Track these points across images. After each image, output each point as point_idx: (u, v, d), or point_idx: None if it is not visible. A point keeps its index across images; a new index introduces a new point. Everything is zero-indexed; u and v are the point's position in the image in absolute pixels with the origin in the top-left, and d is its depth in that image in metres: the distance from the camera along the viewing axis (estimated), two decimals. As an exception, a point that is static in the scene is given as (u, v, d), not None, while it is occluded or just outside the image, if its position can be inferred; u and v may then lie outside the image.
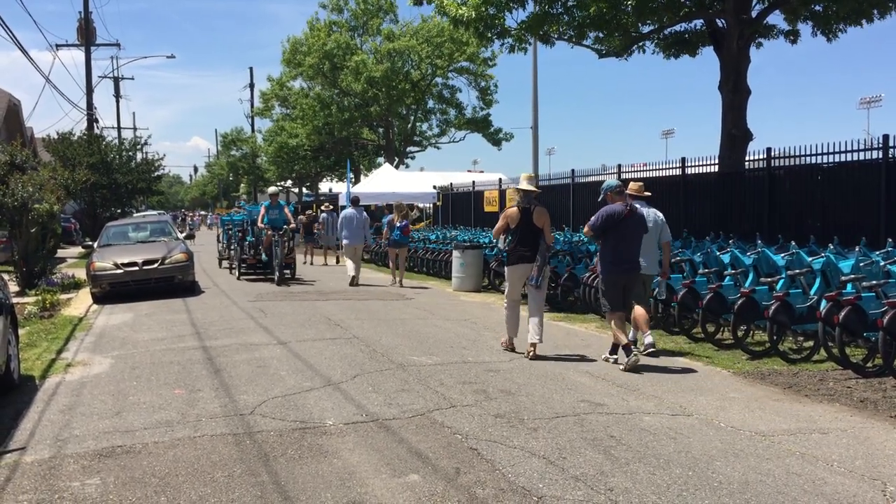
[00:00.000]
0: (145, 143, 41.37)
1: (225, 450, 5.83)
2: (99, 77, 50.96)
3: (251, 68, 66.73)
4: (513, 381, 7.88)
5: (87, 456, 5.78)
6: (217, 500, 4.83)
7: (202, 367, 8.95)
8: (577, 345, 10.16)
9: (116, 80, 55.21)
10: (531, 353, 9.12)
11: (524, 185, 9.63)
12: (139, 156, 41.02)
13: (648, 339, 8.98)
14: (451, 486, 4.95)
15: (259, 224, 18.69)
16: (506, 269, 9.87)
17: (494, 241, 12.58)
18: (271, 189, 20.65)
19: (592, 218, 9.05)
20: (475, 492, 4.85)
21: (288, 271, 19.11)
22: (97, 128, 38.01)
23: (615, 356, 8.92)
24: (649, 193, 10.04)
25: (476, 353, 9.47)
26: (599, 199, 9.22)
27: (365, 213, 19.49)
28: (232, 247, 21.66)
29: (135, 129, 64.70)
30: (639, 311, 9.03)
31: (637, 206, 9.07)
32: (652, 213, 9.57)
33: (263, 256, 19.21)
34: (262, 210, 18.85)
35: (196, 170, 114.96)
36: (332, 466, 5.39)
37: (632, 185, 9.77)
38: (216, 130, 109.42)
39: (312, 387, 7.76)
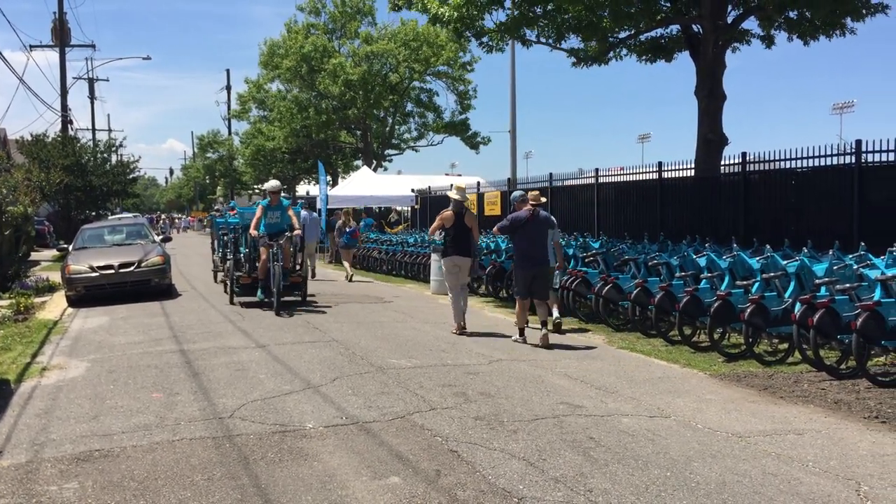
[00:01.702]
0: (120, 145, 41.08)
1: (204, 453, 5.81)
2: (73, 78, 50.23)
3: (228, 70, 66.28)
4: (492, 384, 7.91)
5: (64, 460, 5.73)
6: (197, 503, 4.82)
7: (180, 370, 8.90)
8: (555, 347, 10.20)
9: (91, 82, 54.78)
10: (461, 330, 11.24)
11: (454, 195, 11.72)
12: (114, 158, 40.75)
13: (555, 314, 11.33)
14: (431, 488, 4.97)
15: (253, 231, 13.74)
16: (442, 260, 12.01)
17: (429, 237, 15.72)
18: (271, 184, 14.79)
19: (501, 222, 10.94)
20: (456, 493, 4.87)
21: (297, 294, 14.90)
22: (72, 129, 37.71)
23: (523, 337, 10.51)
24: (545, 199, 12.09)
25: (455, 356, 9.49)
26: (511, 209, 11.13)
27: (315, 214, 22.89)
28: (228, 257, 15.88)
29: (109, 130, 64.23)
30: (549, 296, 10.90)
31: (540, 210, 10.71)
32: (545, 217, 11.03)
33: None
34: (259, 212, 14.04)
35: (172, 172, 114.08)
36: (313, 469, 5.38)
37: (531, 194, 11.00)
38: (192, 133, 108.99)
39: (292, 390, 7.74)
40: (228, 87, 65.76)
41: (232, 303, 14.77)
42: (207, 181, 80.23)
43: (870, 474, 5.15)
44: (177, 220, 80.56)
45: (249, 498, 4.89)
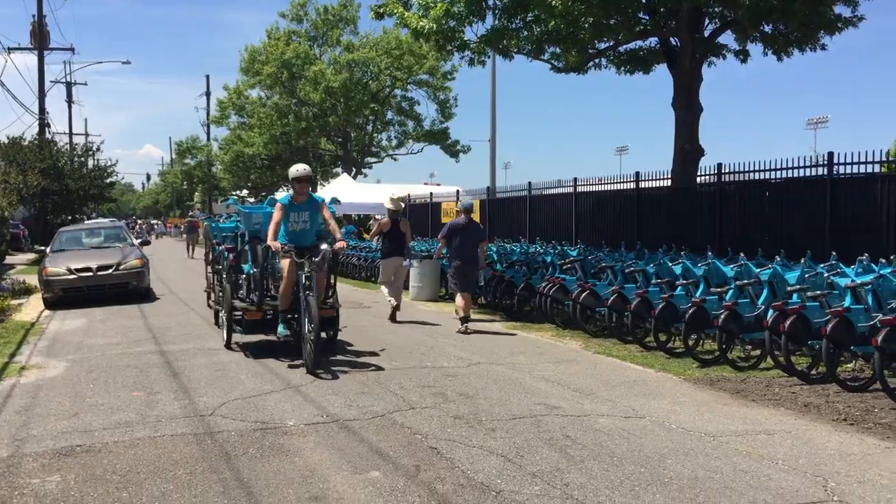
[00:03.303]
0: (98, 150, 40.76)
1: (186, 449, 5.87)
2: (52, 81, 49.98)
3: (207, 76, 66.03)
4: (471, 385, 8.02)
5: (45, 455, 5.77)
6: (180, 496, 4.88)
7: (160, 370, 8.94)
8: (533, 352, 10.33)
9: (69, 85, 54.40)
10: (394, 314, 13.11)
11: (390, 206, 13.66)
12: (90, 162, 40.50)
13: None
14: (411, 482, 5.06)
15: (271, 242, 9.06)
16: (381, 261, 13.92)
17: (370, 241, 18.32)
18: (297, 169, 9.57)
19: (443, 230, 12.82)
20: (435, 487, 4.97)
21: (329, 333, 10.24)
22: (49, 133, 37.46)
23: (465, 325, 11.99)
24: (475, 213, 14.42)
25: (434, 359, 9.59)
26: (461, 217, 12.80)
27: None
28: (222, 281, 11.28)
29: (87, 135, 63.88)
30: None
31: (473, 220, 12.90)
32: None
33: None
34: (277, 213, 9.33)
35: (149, 178, 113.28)
36: (294, 464, 5.46)
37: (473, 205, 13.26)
38: (170, 138, 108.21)
39: (272, 389, 7.81)
40: (208, 93, 65.53)
41: (229, 346, 10.27)
42: (185, 187, 79.91)
43: (837, 472, 5.31)
44: (155, 226, 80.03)
45: (231, 491, 4.96)
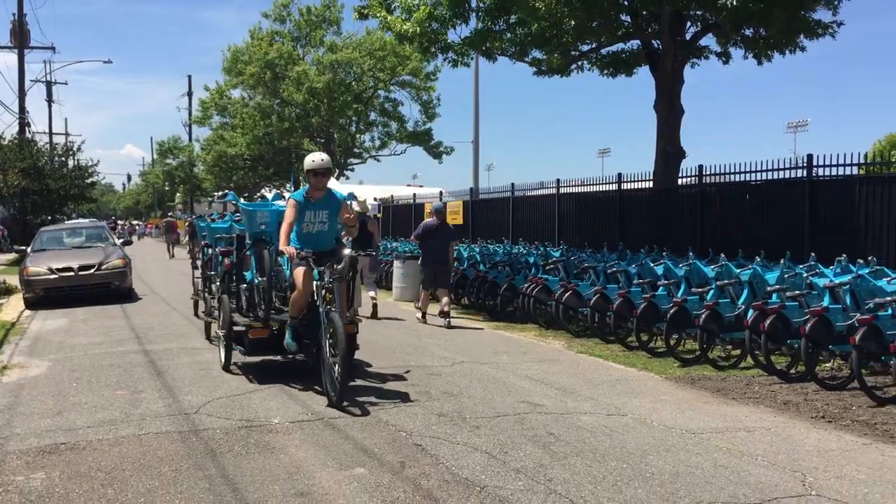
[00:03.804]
0: (78, 150, 40.43)
1: (171, 446, 5.88)
2: (32, 81, 49.58)
3: (190, 76, 66.37)
4: (455, 384, 8.07)
5: (30, 452, 5.77)
6: (165, 493, 4.89)
7: (143, 369, 8.93)
8: (516, 351, 10.40)
9: (49, 85, 53.89)
10: (373, 308, 13.66)
11: (357, 208, 12.70)
12: (71, 162, 40.21)
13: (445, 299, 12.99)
14: (396, 478, 5.11)
15: (284, 247, 7.46)
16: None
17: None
18: (314, 160, 7.83)
19: (416, 230, 13.80)
20: (420, 483, 5.01)
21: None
22: (29, 132, 37.17)
23: (424, 320, 13.11)
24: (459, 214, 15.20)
25: (419, 359, 9.63)
26: (433, 219, 13.57)
27: None
28: (214, 290, 10.15)
29: (67, 134, 63.15)
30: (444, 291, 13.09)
31: (446, 223, 13.72)
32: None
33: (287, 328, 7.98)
34: (290, 211, 7.66)
35: (129, 178, 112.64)
36: (279, 461, 5.49)
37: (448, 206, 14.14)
38: (151, 139, 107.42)
39: (257, 388, 7.82)
40: (190, 93, 65.34)
41: (227, 368, 8.69)
42: (167, 188, 79.45)
43: (815, 467, 5.40)
44: (136, 227, 79.49)
45: (217, 487, 4.98)
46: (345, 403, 6.96)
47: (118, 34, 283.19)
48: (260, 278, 8.54)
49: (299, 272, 7.31)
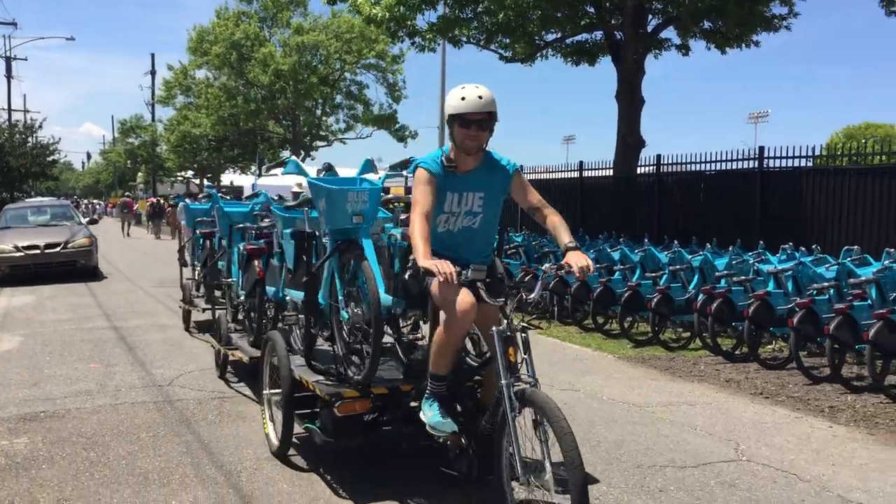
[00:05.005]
0: (39, 127, 39.98)
1: (147, 415, 6.18)
2: (-9, 56, 48.94)
3: (153, 55, 64.80)
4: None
5: (10, 420, 6.04)
6: (145, 456, 5.21)
7: (115, 345, 9.17)
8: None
9: (9, 61, 53.07)
10: None
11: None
12: (31, 140, 39.75)
13: None
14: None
15: (428, 261, 3.87)
16: None
17: None
18: (467, 95, 4.18)
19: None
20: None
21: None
22: (-12, 108, 36.69)
23: None
24: None
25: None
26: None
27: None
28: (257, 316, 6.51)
29: (26, 111, 62.17)
30: None
31: None
32: None
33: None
34: (424, 191, 4.25)
35: (89, 157, 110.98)
36: (252, 429, 5.82)
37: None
38: (112, 117, 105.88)
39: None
40: (153, 72, 64.27)
41: (284, 456, 5.19)
42: (129, 166, 78.52)
43: (748, 437, 5.87)
44: (97, 206, 78.54)
45: (194, 451, 5.31)
46: None
47: (81, 11, 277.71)
48: (352, 310, 4.74)
49: (461, 299, 4.05)
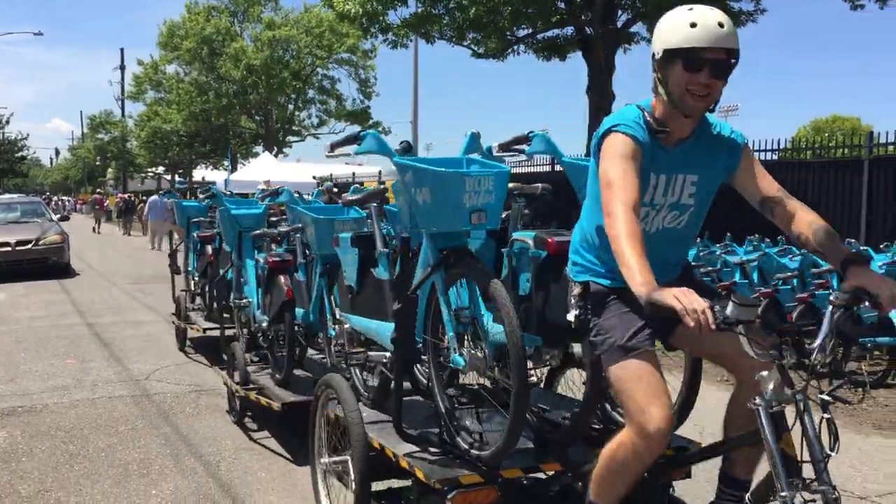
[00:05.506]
0: (7, 123, 39.65)
1: (125, 408, 6.26)
2: (-45, 50, 48.35)
3: (122, 49, 64.54)
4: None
5: (-12, 415, 6.08)
6: (125, 448, 5.29)
7: (90, 341, 9.20)
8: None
9: (-25, 55, 52.36)
10: None
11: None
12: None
13: None
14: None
15: (641, 287, 2.30)
16: None
17: None
18: (699, 20, 2.64)
19: None
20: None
21: None
22: (-45, 104, 36.21)
23: None
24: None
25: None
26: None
27: (165, 199, 20.87)
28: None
29: (-7, 107, 61.49)
30: None
31: None
32: None
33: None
34: (625, 166, 2.62)
35: (58, 153, 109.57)
36: (229, 421, 5.91)
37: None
38: (81, 112, 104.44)
39: (204, 358, 8.18)
40: (122, 67, 63.66)
41: None
42: (98, 163, 77.71)
43: (712, 421, 6.05)
44: (67, 203, 77.68)
45: (173, 443, 5.40)
46: None
47: (50, 5, 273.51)
48: (469, 351, 3.31)
49: (639, 372, 2.72)
